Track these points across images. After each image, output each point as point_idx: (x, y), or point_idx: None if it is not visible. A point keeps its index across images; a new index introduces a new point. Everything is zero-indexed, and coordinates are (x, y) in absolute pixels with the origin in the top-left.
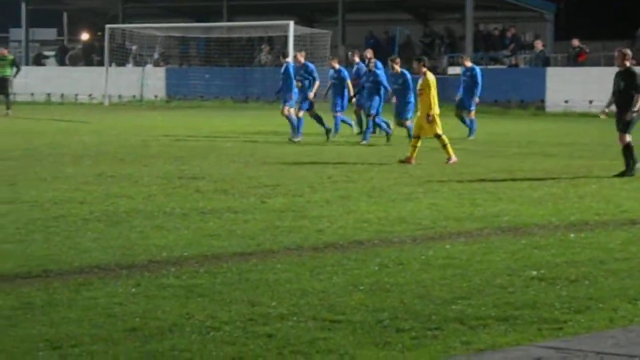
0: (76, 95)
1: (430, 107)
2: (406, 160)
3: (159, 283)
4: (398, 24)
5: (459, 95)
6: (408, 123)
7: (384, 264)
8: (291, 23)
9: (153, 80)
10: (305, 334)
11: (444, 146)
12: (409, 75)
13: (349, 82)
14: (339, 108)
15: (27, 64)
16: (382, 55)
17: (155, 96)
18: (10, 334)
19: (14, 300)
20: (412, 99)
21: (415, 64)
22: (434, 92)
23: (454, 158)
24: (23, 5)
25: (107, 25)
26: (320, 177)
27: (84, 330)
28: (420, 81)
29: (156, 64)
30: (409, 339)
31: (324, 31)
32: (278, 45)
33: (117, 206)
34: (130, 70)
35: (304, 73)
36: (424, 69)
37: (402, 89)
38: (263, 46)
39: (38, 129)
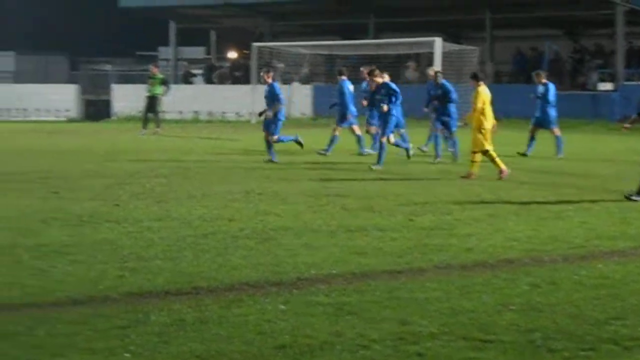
0: (223, 113)
1: (480, 121)
2: (467, 176)
3: (308, 300)
4: (546, 40)
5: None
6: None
7: (535, 284)
8: (438, 40)
9: (300, 97)
10: (456, 353)
11: (493, 160)
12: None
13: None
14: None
15: (175, 83)
16: (529, 71)
17: (302, 114)
18: (162, 351)
19: (166, 316)
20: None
21: (470, 79)
22: (483, 106)
23: (505, 171)
24: (172, 24)
25: (255, 44)
26: (467, 194)
27: (234, 347)
28: (473, 95)
29: (303, 82)
30: (562, 359)
31: (472, 48)
32: (425, 62)
33: (265, 223)
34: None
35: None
36: (478, 84)
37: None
38: (409, 63)
39: (186, 147)
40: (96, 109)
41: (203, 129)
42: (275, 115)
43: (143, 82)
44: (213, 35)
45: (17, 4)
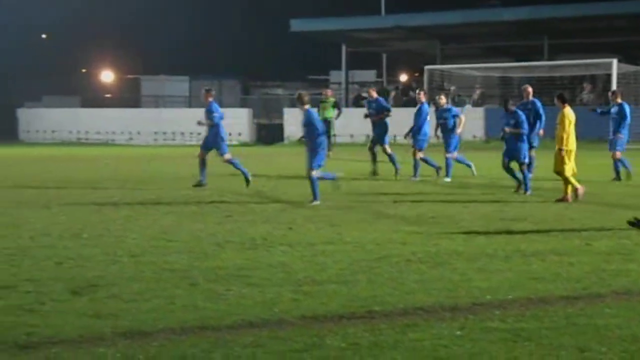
0: (394, 136)
1: (562, 142)
2: (563, 199)
3: (484, 326)
4: None
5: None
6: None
7: None
8: (614, 61)
9: (472, 120)
10: None
11: (565, 181)
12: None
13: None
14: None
15: (346, 106)
16: None
17: (474, 136)
18: None
19: (341, 340)
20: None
21: (555, 100)
22: (567, 128)
23: (568, 198)
24: (343, 48)
25: (426, 67)
26: None
27: None
28: (558, 115)
29: (475, 104)
30: None
31: None
32: (600, 84)
33: (438, 247)
34: None
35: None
36: (562, 104)
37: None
38: (585, 84)
39: (359, 171)
40: (268, 133)
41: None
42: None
43: (314, 105)
44: (384, 59)
45: (191, 31)
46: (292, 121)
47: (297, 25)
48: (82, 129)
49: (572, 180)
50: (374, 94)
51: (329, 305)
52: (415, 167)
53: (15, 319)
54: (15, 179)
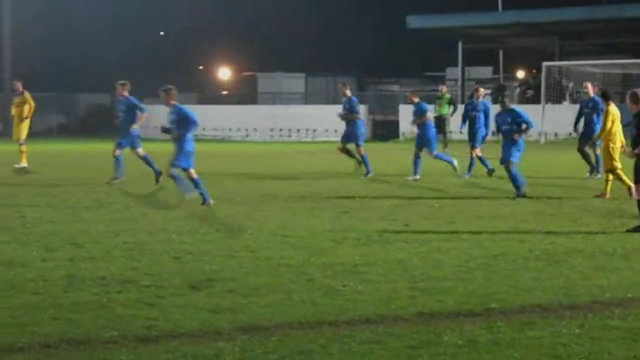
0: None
1: (610, 140)
2: (601, 195)
3: (604, 324)
4: None
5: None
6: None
7: None
8: None
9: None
10: None
11: (620, 178)
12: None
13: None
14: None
15: (462, 102)
16: None
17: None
18: None
19: (458, 337)
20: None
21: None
22: (610, 125)
23: (607, 195)
24: (460, 45)
25: (544, 63)
26: None
27: None
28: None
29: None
30: None
31: None
32: None
33: (556, 245)
34: (566, 108)
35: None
36: (607, 103)
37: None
38: None
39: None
40: (384, 130)
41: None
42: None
43: (430, 102)
44: (501, 55)
45: (307, 28)
46: (408, 118)
47: (414, 22)
48: (199, 126)
49: (624, 177)
50: (348, 93)
51: (446, 302)
52: (484, 163)
53: (136, 312)
54: (131, 175)
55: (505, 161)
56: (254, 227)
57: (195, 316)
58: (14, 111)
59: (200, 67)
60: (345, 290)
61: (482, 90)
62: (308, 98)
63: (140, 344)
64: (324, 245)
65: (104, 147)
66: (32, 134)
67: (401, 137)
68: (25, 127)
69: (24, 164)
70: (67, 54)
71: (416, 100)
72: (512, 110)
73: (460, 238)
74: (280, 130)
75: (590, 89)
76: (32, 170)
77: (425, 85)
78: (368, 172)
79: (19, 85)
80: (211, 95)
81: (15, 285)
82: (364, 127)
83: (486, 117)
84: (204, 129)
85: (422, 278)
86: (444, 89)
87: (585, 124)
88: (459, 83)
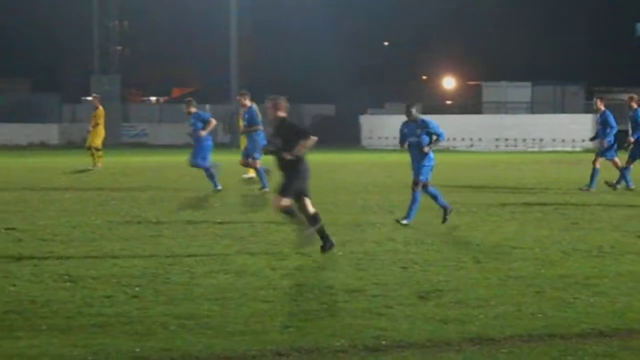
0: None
1: None
2: None
3: None
4: None
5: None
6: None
7: None
8: None
9: None
10: None
11: None
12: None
13: None
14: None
15: None
16: None
17: None
18: None
19: None
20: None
21: None
22: None
23: None
24: None
25: None
26: None
27: None
28: None
29: None
30: None
31: None
32: None
33: None
34: None
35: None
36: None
37: None
38: None
39: None
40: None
41: None
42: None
43: None
44: None
45: (533, 36)
46: None
47: None
48: None
49: None
50: (247, 103)
51: None
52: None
53: (364, 322)
54: (356, 184)
55: (417, 182)
56: (481, 238)
57: (424, 326)
58: (241, 123)
59: (424, 77)
60: (577, 303)
61: None
62: (534, 107)
63: (369, 353)
64: (553, 257)
65: (332, 158)
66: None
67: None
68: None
69: (251, 174)
70: (291, 66)
71: (248, 104)
72: (422, 120)
73: None
74: (506, 140)
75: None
76: (257, 181)
77: None
78: (264, 187)
79: (243, 99)
80: (435, 104)
81: (247, 294)
82: (263, 139)
83: None
84: None
85: None
86: None
87: None
88: None
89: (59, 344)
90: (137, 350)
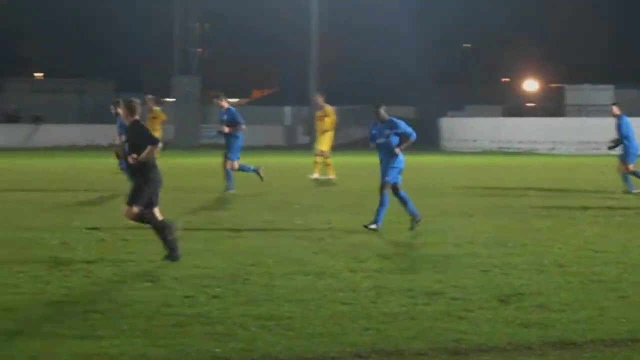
0: None
1: None
2: None
3: None
4: None
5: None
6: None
7: None
8: None
9: None
10: None
11: None
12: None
13: None
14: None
15: None
16: None
17: None
18: None
19: None
20: None
21: None
22: None
23: None
24: None
25: None
26: None
27: None
28: None
29: None
30: None
31: None
32: None
33: None
34: None
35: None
36: None
37: None
38: None
39: None
40: None
41: None
42: None
43: None
44: None
45: (616, 39)
46: None
47: None
48: (503, 138)
49: None
50: (225, 104)
51: None
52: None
53: (444, 324)
54: (436, 186)
55: (384, 183)
56: (562, 242)
57: (505, 330)
58: (316, 124)
59: (505, 79)
60: None
61: None
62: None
63: (450, 356)
64: (636, 261)
65: (411, 160)
66: (336, 147)
67: None
68: (326, 139)
69: (331, 175)
70: (371, 69)
71: (225, 105)
72: (390, 121)
73: None
74: (588, 143)
75: None
76: (337, 182)
77: None
78: (229, 188)
79: (320, 99)
80: (516, 107)
81: (326, 295)
82: (242, 140)
83: None
84: (508, 142)
85: None
86: None
87: None
88: None
89: (139, 344)
90: (218, 350)
